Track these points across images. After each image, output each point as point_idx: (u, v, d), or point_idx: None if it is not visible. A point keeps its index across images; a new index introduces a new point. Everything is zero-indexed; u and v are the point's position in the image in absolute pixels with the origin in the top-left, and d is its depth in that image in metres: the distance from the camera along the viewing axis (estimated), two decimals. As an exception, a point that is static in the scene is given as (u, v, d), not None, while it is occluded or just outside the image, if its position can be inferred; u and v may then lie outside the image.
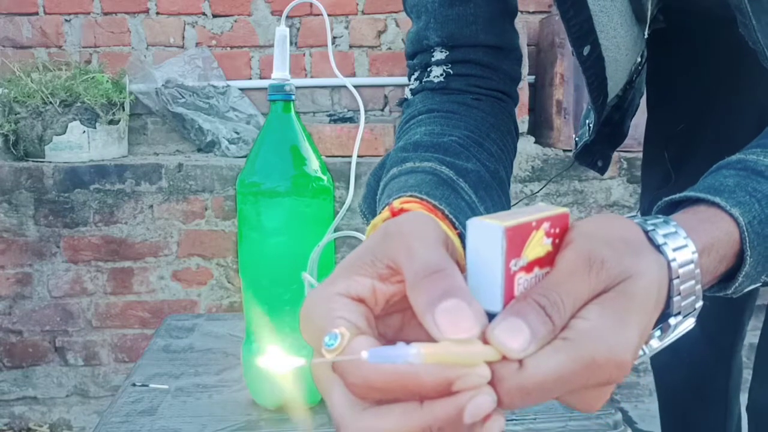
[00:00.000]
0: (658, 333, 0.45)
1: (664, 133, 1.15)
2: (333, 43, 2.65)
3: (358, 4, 2.66)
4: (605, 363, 0.38)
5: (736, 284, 0.52)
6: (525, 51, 2.38)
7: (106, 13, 2.66)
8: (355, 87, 0.89)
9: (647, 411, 2.41)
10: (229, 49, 2.68)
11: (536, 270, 0.41)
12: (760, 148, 0.57)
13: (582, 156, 1.09)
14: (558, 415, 0.83)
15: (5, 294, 2.38)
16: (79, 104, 2.37)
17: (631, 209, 2.39)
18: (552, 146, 2.45)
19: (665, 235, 0.45)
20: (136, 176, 2.35)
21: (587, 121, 1.05)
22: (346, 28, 2.67)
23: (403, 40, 2.67)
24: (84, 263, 2.38)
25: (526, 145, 2.41)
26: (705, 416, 1.28)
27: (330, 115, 2.62)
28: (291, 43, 2.66)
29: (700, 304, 0.47)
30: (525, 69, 2.27)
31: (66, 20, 2.65)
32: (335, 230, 0.80)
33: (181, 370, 1.01)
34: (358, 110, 2.29)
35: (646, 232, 0.45)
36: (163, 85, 2.54)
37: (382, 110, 2.71)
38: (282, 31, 0.83)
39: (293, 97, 0.85)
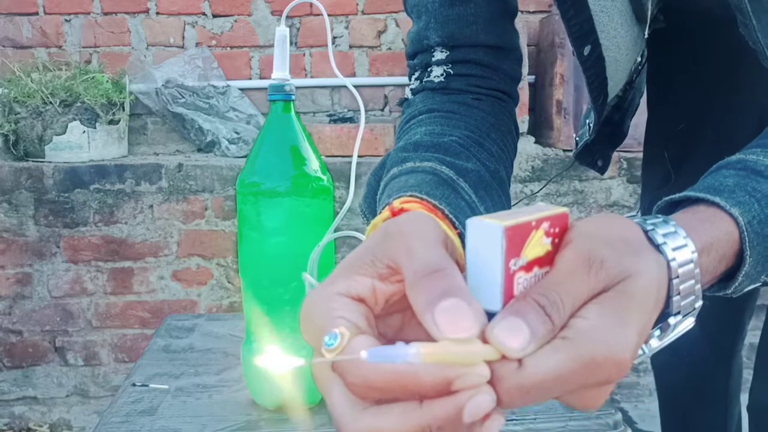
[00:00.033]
0: (657, 332, 0.45)
1: (664, 133, 1.15)
2: (333, 43, 2.65)
3: (358, 4, 2.66)
4: (604, 362, 0.38)
5: (736, 284, 0.52)
6: (525, 51, 2.38)
7: (106, 13, 2.66)
8: (355, 87, 0.89)
9: (647, 411, 2.41)
10: (229, 49, 2.68)
11: (536, 269, 0.41)
12: (760, 148, 0.57)
13: (582, 156, 1.09)
14: (558, 415, 0.83)
15: (5, 294, 2.38)
16: (79, 104, 2.37)
17: (631, 209, 2.39)
18: (552, 146, 2.45)
19: (665, 235, 0.45)
20: (136, 176, 2.35)
21: (587, 121, 1.05)
22: (346, 28, 2.67)
23: (403, 40, 2.67)
24: (84, 263, 2.38)
25: (526, 145, 2.41)
26: (705, 416, 1.28)
27: (330, 115, 2.62)
28: (291, 43, 2.66)
29: (699, 303, 0.47)
30: (525, 69, 2.27)
31: (66, 20, 2.65)
32: (335, 230, 0.80)
33: (181, 370, 1.01)
34: (358, 110, 2.29)
35: (646, 232, 0.45)
36: (163, 85, 2.54)
37: (382, 110, 2.71)
38: (282, 31, 0.83)
39: (293, 97, 0.85)
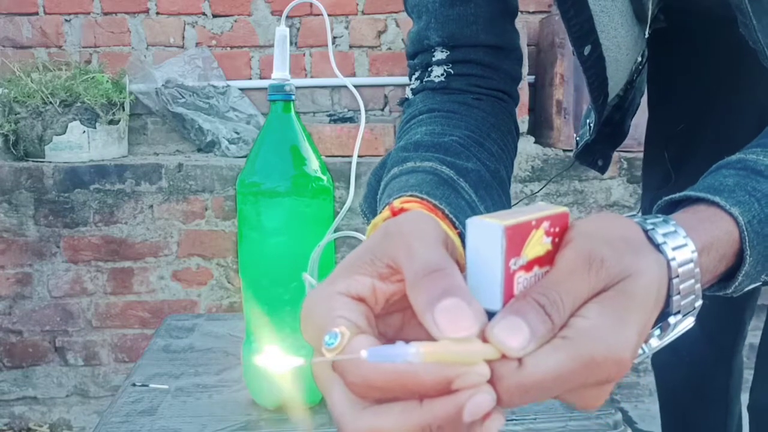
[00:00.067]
0: (657, 332, 0.46)
1: (665, 133, 1.15)
2: (333, 43, 2.65)
3: (358, 4, 2.66)
4: (604, 361, 0.38)
5: (736, 283, 0.52)
6: (525, 51, 2.38)
7: (106, 13, 2.66)
8: (355, 87, 0.89)
9: (647, 411, 2.41)
10: (229, 49, 2.68)
11: (536, 269, 0.41)
12: (760, 148, 0.57)
13: (583, 155, 1.09)
14: (558, 415, 0.83)
15: (5, 294, 2.38)
16: (79, 104, 2.37)
17: (631, 209, 2.39)
18: (552, 146, 2.45)
19: (665, 234, 0.45)
20: (136, 176, 2.35)
21: (588, 121, 1.05)
22: (346, 28, 2.67)
23: (403, 40, 2.67)
24: (84, 263, 2.38)
25: (526, 145, 2.41)
26: (705, 416, 1.28)
27: (330, 115, 2.62)
28: (291, 43, 2.66)
29: (699, 303, 0.47)
30: (525, 69, 2.27)
31: (66, 20, 2.65)
32: (335, 230, 0.80)
33: (181, 370, 1.01)
34: (358, 110, 2.29)
35: (646, 231, 0.45)
36: (163, 85, 2.54)
37: (383, 110, 2.71)
38: (282, 31, 0.83)
39: (293, 97, 0.85)
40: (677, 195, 0.53)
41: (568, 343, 0.38)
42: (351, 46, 2.69)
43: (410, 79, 0.85)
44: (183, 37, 2.67)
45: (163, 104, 2.56)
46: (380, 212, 0.64)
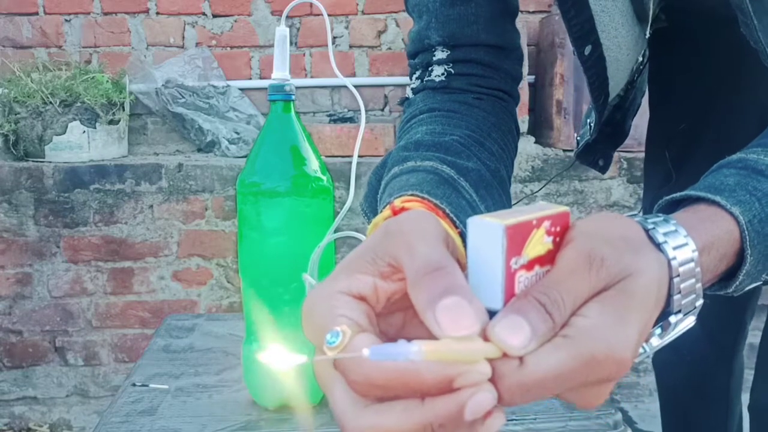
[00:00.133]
0: (658, 331, 0.46)
1: (666, 133, 1.15)
2: (333, 43, 2.65)
3: (358, 4, 2.66)
4: (605, 360, 0.38)
5: (737, 283, 0.52)
6: (525, 51, 2.38)
7: (106, 13, 2.66)
8: (355, 87, 0.89)
9: (647, 411, 2.41)
10: (229, 49, 2.68)
11: (537, 268, 0.41)
12: (760, 147, 0.57)
13: (583, 155, 1.09)
14: (558, 415, 0.83)
15: (5, 294, 2.38)
16: (79, 104, 2.37)
17: (631, 209, 2.39)
18: (552, 146, 2.45)
19: (665, 234, 0.45)
20: (136, 176, 2.35)
21: (588, 121, 1.05)
22: (346, 28, 2.67)
23: (403, 40, 2.67)
24: (84, 263, 2.38)
25: (526, 145, 2.41)
26: (706, 415, 1.28)
27: (330, 115, 2.62)
28: (291, 43, 2.66)
29: (700, 302, 0.47)
30: (525, 69, 2.27)
31: (66, 20, 2.65)
32: (335, 230, 0.80)
33: (181, 370, 1.01)
34: (358, 110, 2.29)
35: (647, 231, 0.45)
36: (163, 85, 2.54)
37: (383, 110, 2.71)
38: (282, 31, 0.83)
39: (293, 97, 0.85)
40: (678, 194, 0.53)
41: (569, 342, 0.38)
42: (351, 46, 2.69)
43: (411, 79, 0.85)
44: (183, 37, 2.67)
45: (163, 104, 2.56)
46: (381, 211, 0.64)
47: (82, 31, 2.66)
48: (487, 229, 0.39)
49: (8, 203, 2.33)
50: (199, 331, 1.19)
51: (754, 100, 1.03)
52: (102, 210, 2.35)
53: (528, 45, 2.56)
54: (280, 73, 0.85)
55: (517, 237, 0.40)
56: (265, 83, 2.56)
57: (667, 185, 1.11)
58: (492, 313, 0.39)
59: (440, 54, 0.81)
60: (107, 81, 2.46)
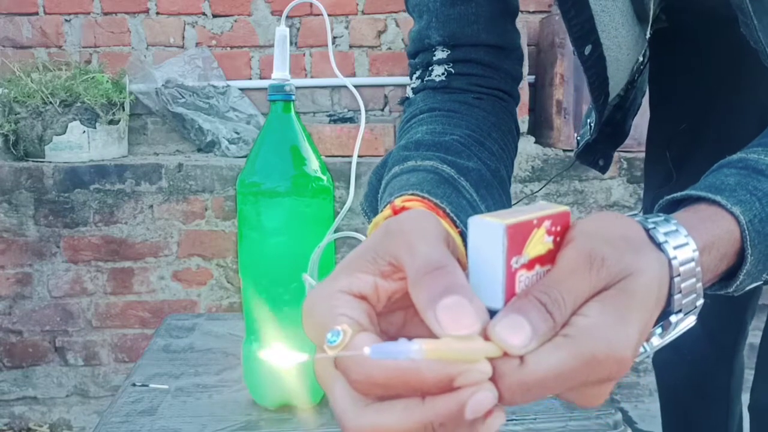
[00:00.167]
0: (659, 330, 0.46)
1: (667, 133, 1.15)
2: (333, 43, 2.65)
3: (358, 4, 2.66)
4: (605, 359, 0.38)
5: (737, 282, 0.52)
6: (525, 51, 2.38)
7: (106, 13, 2.66)
8: (355, 87, 0.89)
9: (647, 411, 2.41)
10: (229, 49, 2.68)
11: (537, 268, 0.41)
12: (761, 147, 0.57)
13: (583, 155, 1.09)
14: (558, 415, 0.83)
15: (5, 294, 2.38)
16: (79, 104, 2.37)
17: (631, 209, 2.39)
18: (552, 146, 2.45)
19: (666, 234, 0.45)
20: (136, 176, 2.35)
21: (588, 121, 1.05)
22: (346, 28, 2.67)
23: (403, 40, 2.67)
24: (84, 263, 2.38)
25: (526, 145, 2.41)
26: (706, 415, 1.28)
27: (330, 115, 2.62)
28: (291, 43, 2.66)
29: (701, 302, 0.47)
30: (525, 69, 2.27)
31: (66, 20, 2.65)
32: (335, 230, 0.80)
33: (181, 370, 1.01)
34: (358, 110, 2.29)
35: (647, 230, 0.45)
36: (163, 85, 2.54)
37: (383, 110, 2.71)
38: (282, 31, 0.83)
39: (293, 97, 0.85)
40: (678, 194, 0.53)
41: (570, 342, 0.38)
42: (351, 46, 2.69)
43: (411, 78, 0.85)
44: (183, 37, 2.67)
45: (163, 104, 2.56)
46: (381, 211, 0.64)
47: (82, 31, 2.66)
48: (487, 229, 0.40)
49: (8, 203, 2.33)
50: (199, 331, 1.19)
51: (754, 100, 1.03)
52: (102, 210, 2.35)
53: (528, 45, 2.56)
54: (280, 73, 0.85)
55: (518, 236, 0.40)
56: (265, 83, 2.57)
57: (667, 185, 1.11)
58: (492, 313, 0.39)
59: (440, 54, 0.81)
60: (107, 81, 2.46)
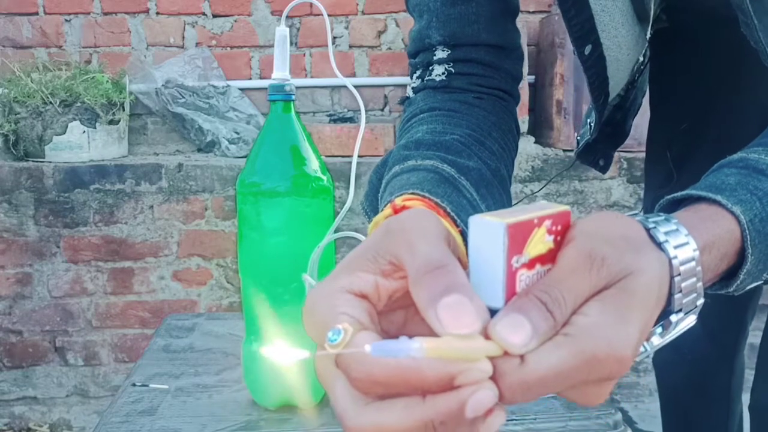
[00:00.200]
0: (659, 330, 0.46)
1: (667, 133, 1.15)
2: (333, 43, 2.65)
3: (358, 4, 2.66)
4: (606, 358, 0.38)
5: (738, 282, 0.52)
6: (525, 51, 2.38)
7: (106, 13, 2.66)
8: (355, 87, 0.89)
9: (647, 411, 2.41)
10: (229, 49, 2.68)
11: (538, 267, 0.41)
12: (761, 147, 0.57)
13: (583, 155, 1.09)
14: (558, 415, 0.83)
15: (5, 294, 2.38)
16: (79, 104, 2.37)
17: (631, 209, 2.39)
18: (552, 146, 2.45)
19: (666, 233, 0.45)
20: (136, 176, 2.35)
21: (589, 120, 1.05)
22: (346, 28, 2.67)
23: (403, 40, 2.67)
24: (84, 263, 2.38)
25: (526, 145, 2.41)
26: (707, 415, 1.28)
27: (330, 115, 2.62)
28: (291, 43, 2.66)
29: (701, 301, 0.47)
30: (525, 69, 2.27)
31: (66, 20, 2.65)
32: (335, 230, 0.80)
33: (181, 370, 1.01)
34: (358, 110, 2.29)
35: (648, 230, 0.45)
36: (163, 85, 2.54)
37: (383, 110, 2.71)
38: (282, 31, 0.83)
39: (293, 97, 0.85)
40: (679, 194, 0.53)
41: (570, 341, 0.38)
42: (351, 46, 2.69)
43: (411, 78, 0.85)
44: (183, 37, 2.67)
45: (163, 104, 2.56)
46: (382, 210, 0.64)
47: (82, 31, 2.66)
48: (488, 228, 0.40)
49: (8, 203, 2.33)
50: (199, 330, 1.18)
51: (754, 99, 1.03)
52: (102, 210, 2.35)
53: (528, 45, 2.56)
54: (280, 73, 0.85)
55: (519, 236, 0.40)
56: (265, 83, 2.57)
57: (668, 185, 1.11)
58: (493, 312, 0.39)
59: (441, 53, 0.81)
60: (107, 81, 2.46)
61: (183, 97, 2.55)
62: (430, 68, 0.82)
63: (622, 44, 0.86)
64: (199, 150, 2.63)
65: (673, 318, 0.45)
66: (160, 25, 2.67)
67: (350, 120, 2.56)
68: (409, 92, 0.85)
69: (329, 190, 0.86)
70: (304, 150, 0.84)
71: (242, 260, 0.87)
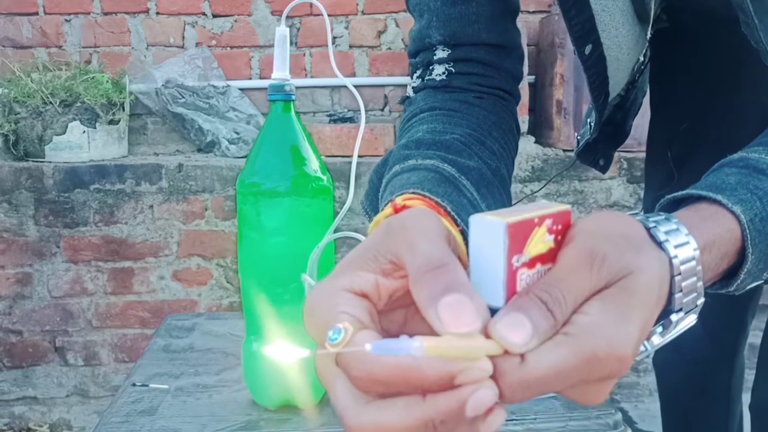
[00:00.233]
0: (660, 329, 0.46)
1: (667, 133, 1.15)
2: (333, 43, 2.65)
3: (358, 4, 2.66)
4: (606, 357, 0.38)
5: (738, 281, 0.52)
6: (525, 51, 2.38)
7: (106, 13, 2.66)
8: (355, 87, 0.89)
9: (647, 411, 2.41)
10: (229, 49, 2.68)
11: (538, 266, 0.41)
12: (761, 147, 0.57)
13: (584, 155, 1.09)
14: (558, 415, 0.83)
15: (5, 294, 2.38)
16: (79, 104, 2.37)
17: (631, 209, 2.39)
18: (552, 146, 2.45)
19: (667, 232, 0.45)
20: (136, 176, 2.35)
21: (589, 120, 1.05)
22: (346, 28, 2.67)
23: (403, 40, 2.67)
24: (84, 263, 2.38)
25: (526, 145, 2.41)
26: (707, 415, 1.28)
27: (330, 115, 2.62)
28: (291, 43, 2.66)
29: (701, 301, 0.47)
30: (525, 69, 2.27)
31: (66, 20, 2.65)
32: (335, 231, 0.80)
33: (181, 370, 1.01)
34: (358, 110, 2.29)
35: (648, 229, 0.45)
36: (163, 85, 2.54)
37: (382, 110, 2.71)
38: (282, 31, 0.83)
39: (293, 97, 0.85)
40: (679, 193, 0.53)
41: (570, 340, 0.38)
42: (351, 46, 2.69)
43: (411, 78, 0.85)
44: (183, 37, 2.67)
45: (163, 104, 2.56)
46: (382, 209, 0.64)
47: (82, 31, 2.66)
48: (488, 227, 0.40)
49: (8, 203, 2.33)
50: (199, 330, 1.18)
51: (754, 99, 1.03)
52: (102, 210, 2.35)
53: (528, 45, 2.56)
54: (280, 73, 0.85)
55: (519, 235, 0.40)
56: (265, 83, 2.56)
57: (669, 185, 1.11)
58: (493, 311, 0.39)
59: (441, 53, 0.81)
60: (107, 81, 2.46)
61: (183, 97, 2.55)
62: (431, 68, 0.82)
63: (623, 44, 0.86)
64: (199, 150, 2.63)
65: (674, 317, 0.45)
66: (160, 25, 2.67)
67: (350, 120, 2.56)
68: (410, 92, 0.85)
69: (329, 190, 0.86)
70: (304, 150, 0.84)
71: (242, 260, 0.87)
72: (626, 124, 1.07)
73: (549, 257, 0.42)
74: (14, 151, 2.44)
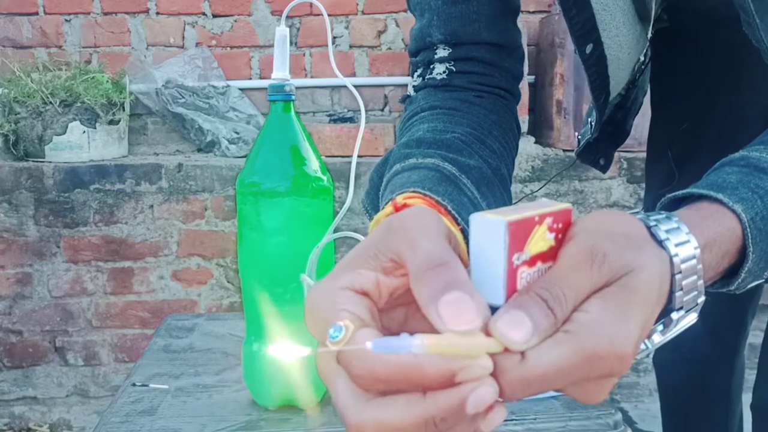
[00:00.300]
0: (660, 328, 0.46)
1: (668, 132, 1.15)
2: (333, 43, 2.65)
3: (358, 4, 2.66)
4: (606, 355, 0.38)
5: (739, 280, 0.52)
6: (525, 51, 2.38)
7: (106, 13, 2.66)
8: (355, 87, 0.89)
9: (647, 411, 2.41)
10: (229, 49, 2.68)
11: (539, 264, 0.41)
12: (762, 146, 0.57)
13: (584, 154, 1.09)
14: (558, 415, 0.83)
15: (5, 294, 2.38)
16: (79, 104, 2.37)
17: (631, 209, 2.39)
18: (552, 146, 2.45)
19: (667, 231, 0.45)
20: (136, 176, 2.35)
21: (589, 119, 1.05)
22: (346, 28, 2.67)
23: (403, 39, 2.67)
24: (84, 263, 2.38)
25: (527, 145, 2.41)
26: (707, 414, 1.28)
27: (330, 115, 2.62)
28: (291, 43, 2.66)
29: (702, 299, 0.47)
30: (525, 68, 2.27)
31: (66, 20, 2.65)
32: (335, 230, 0.80)
33: (181, 370, 1.01)
34: (358, 110, 2.29)
35: (649, 228, 0.45)
36: (163, 85, 2.54)
37: (382, 110, 2.71)
38: (282, 31, 0.83)
39: (293, 97, 0.85)
40: (680, 192, 0.53)
41: (571, 337, 0.38)
42: (351, 46, 2.69)
43: (412, 77, 0.85)
44: (183, 37, 2.67)
45: (163, 104, 2.56)
46: (383, 208, 0.64)
47: (82, 31, 2.66)
48: (489, 226, 0.40)
49: (8, 203, 2.33)
50: (199, 331, 1.18)
51: (755, 99, 1.03)
52: (102, 210, 2.35)
53: (528, 45, 2.56)
54: (280, 73, 0.85)
55: (520, 233, 0.40)
56: (265, 83, 2.56)
57: (669, 184, 1.11)
58: (494, 309, 0.39)
59: (442, 52, 0.81)
60: (107, 81, 2.46)
61: (183, 97, 2.55)
62: (431, 67, 0.82)
63: (623, 43, 0.86)
64: (199, 150, 2.63)
65: (674, 316, 0.45)
66: (160, 25, 2.67)
67: (350, 120, 2.56)
68: (410, 91, 0.85)
69: (329, 190, 0.86)
70: (304, 150, 0.84)
71: (242, 260, 0.87)
72: (627, 123, 1.07)
73: (549, 255, 0.42)
74: (14, 151, 2.44)
